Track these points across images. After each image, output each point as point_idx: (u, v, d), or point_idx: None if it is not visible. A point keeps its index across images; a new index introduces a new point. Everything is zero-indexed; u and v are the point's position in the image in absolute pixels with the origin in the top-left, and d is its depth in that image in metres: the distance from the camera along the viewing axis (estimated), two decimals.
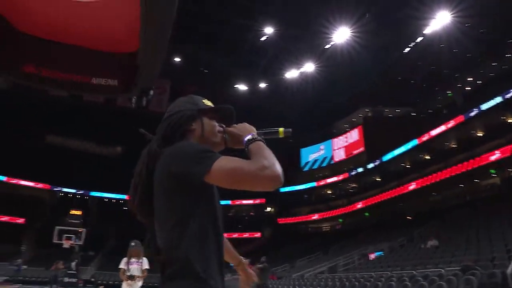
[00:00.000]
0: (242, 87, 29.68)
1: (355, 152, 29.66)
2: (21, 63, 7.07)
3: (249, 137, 1.19)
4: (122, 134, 27.26)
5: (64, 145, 32.37)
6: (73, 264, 17.21)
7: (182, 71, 27.16)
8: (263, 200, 34.73)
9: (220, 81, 28.93)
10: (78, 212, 29.33)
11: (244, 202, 35.27)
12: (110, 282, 21.59)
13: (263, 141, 1.17)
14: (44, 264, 21.68)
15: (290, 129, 1.32)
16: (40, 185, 30.21)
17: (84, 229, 22.81)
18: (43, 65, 7.28)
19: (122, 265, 5.51)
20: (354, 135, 30.14)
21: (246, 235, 32.77)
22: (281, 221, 32.53)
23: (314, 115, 31.54)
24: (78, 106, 28.75)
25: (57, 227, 23.16)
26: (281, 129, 1.31)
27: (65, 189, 31.78)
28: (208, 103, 1.34)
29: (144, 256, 5.51)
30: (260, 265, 9.64)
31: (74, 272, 17.68)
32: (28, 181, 29.58)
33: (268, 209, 35.94)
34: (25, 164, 27.95)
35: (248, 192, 30.71)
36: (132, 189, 1.22)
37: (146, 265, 5.49)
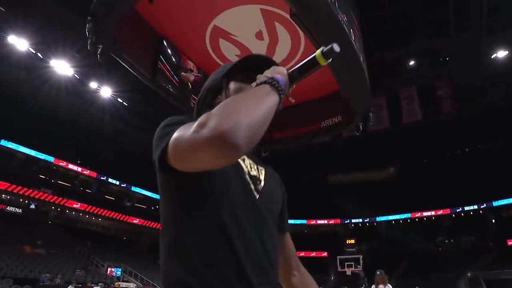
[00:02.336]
0: (501, 53, 24.03)
1: None
2: (271, 133, 9.05)
3: (260, 80, 0.81)
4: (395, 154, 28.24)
5: (344, 181, 35.93)
6: None
7: (423, 70, 24.81)
8: None
9: (472, 60, 24.61)
10: (352, 241, 32.05)
11: None
12: None
13: (271, 83, 0.78)
14: None
15: (334, 44, 0.82)
16: (332, 221, 34.44)
17: (361, 256, 24.63)
18: (284, 128, 9.01)
19: None
20: None
21: None
22: None
23: None
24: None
25: (338, 257, 26.45)
26: (318, 52, 0.85)
27: (354, 220, 34.69)
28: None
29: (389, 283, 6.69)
30: None
31: None
32: (324, 219, 34.59)
33: None
34: (320, 205, 33.30)
35: None
36: None
37: None
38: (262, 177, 0.93)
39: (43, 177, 25.18)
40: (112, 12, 4.91)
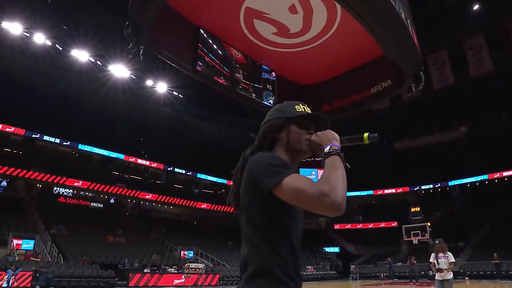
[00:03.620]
0: None
1: None
2: (320, 107, 8.88)
3: (326, 149, 1.17)
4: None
5: (410, 146, 34.11)
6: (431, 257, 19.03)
7: (491, 13, 21.31)
8: None
9: None
10: (417, 209, 30.41)
11: None
12: (481, 272, 20.67)
13: (339, 155, 1.14)
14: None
15: (376, 134, 1.22)
16: (400, 190, 33.06)
17: (427, 223, 23.61)
18: (333, 100, 8.79)
19: (431, 260, 6.43)
20: None
21: None
22: None
23: None
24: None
25: (403, 226, 25.57)
26: (365, 135, 1.23)
27: (424, 186, 32.92)
28: (301, 108, 1.32)
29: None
30: None
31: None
32: (391, 188, 33.43)
33: None
34: (386, 173, 32.17)
35: None
36: (232, 185, 1.34)
37: (451, 259, 6.21)
38: None
39: (117, 173, 27.49)
40: (146, 12, 5.11)
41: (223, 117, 29.64)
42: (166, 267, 18.13)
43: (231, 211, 30.51)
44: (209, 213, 29.96)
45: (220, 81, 7.48)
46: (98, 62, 22.31)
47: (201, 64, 6.96)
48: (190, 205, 28.74)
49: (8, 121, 21.54)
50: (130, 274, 16.00)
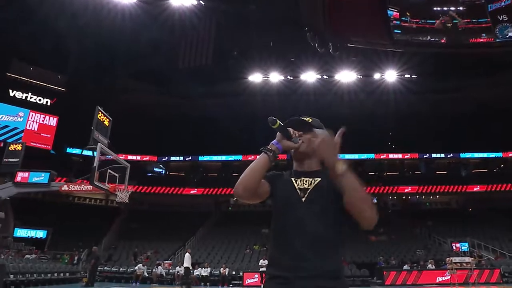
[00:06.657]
0: None
1: None
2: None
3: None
4: None
5: None
6: None
7: None
8: None
9: None
10: None
11: None
12: None
13: (264, 151, 1.39)
14: None
15: (270, 118, 1.38)
16: None
17: None
18: None
19: None
20: None
21: None
22: None
23: None
24: None
25: None
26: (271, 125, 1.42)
27: None
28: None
29: None
30: None
31: None
32: None
33: None
34: None
35: None
36: None
37: None
38: (312, 185, 1.41)
39: (373, 173, 27.63)
40: (316, 12, 5.37)
41: (477, 79, 24.23)
42: (426, 263, 16.46)
43: None
44: (486, 196, 25.02)
45: (432, 39, 6.60)
46: (325, 76, 24.33)
47: (398, 31, 6.41)
48: (459, 190, 25.20)
49: None
50: (385, 273, 15.47)
